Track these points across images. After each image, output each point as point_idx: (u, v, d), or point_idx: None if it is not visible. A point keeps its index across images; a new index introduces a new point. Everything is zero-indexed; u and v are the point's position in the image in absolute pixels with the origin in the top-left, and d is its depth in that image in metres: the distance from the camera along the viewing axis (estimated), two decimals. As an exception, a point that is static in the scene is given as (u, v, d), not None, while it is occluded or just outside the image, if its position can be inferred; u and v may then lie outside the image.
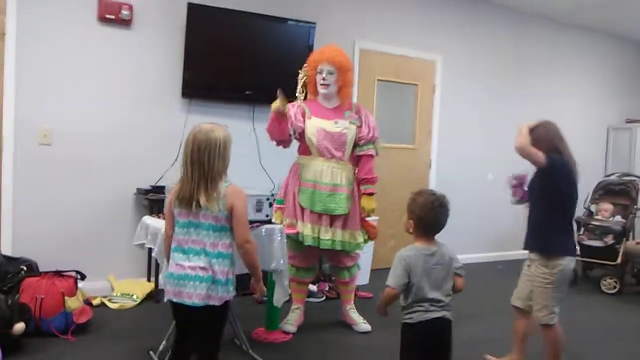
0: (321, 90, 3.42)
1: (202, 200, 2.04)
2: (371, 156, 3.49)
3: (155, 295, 3.91)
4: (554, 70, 6.50)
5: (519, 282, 2.93)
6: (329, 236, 3.34)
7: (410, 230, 2.20)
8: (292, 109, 3.36)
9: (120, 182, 4.05)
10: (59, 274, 3.32)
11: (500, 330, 3.40)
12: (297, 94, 3.54)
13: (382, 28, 5.26)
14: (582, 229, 5.09)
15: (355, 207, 3.45)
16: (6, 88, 3.67)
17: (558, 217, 2.74)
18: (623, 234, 4.92)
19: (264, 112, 4.21)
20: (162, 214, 3.18)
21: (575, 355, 3.18)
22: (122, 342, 3.14)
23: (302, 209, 3.35)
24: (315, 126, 3.37)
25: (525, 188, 2.93)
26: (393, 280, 2.11)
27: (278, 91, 3.17)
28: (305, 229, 3.32)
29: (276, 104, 3.20)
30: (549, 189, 2.72)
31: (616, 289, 4.84)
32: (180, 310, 2.12)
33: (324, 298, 4.27)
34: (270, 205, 3.06)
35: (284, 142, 3.47)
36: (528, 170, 2.85)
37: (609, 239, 4.91)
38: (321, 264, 4.35)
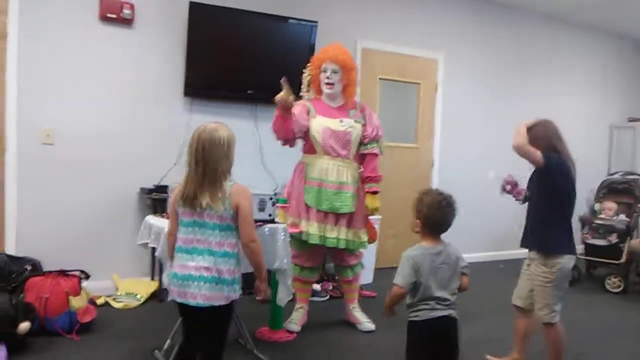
0: (326, 89, 3.41)
1: (207, 199, 2.03)
2: (375, 155, 3.49)
3: (159, 295, 3.91)
4: (555, 69, 6.49)
5: (519, 281, 2.93)
6: (334, 234, 3.34)
7: (417, 230, 2.20)
8: (297, 107, 3.33)
9: (123, 182, 4.05)
10: (63, 273, 3.32)
11: (501, 329, 3.39)
12: (301, 93, 3.53)
13: (384, 27, 5.26)
14: (586, 228, 5.08)
15: (361, 206, 3.44)
16: (8, 88, 3.68)
17: (556, 216, 2.73)
18: (627, 232, 4.91)
19: (266, 111, 4.22)
20: (165, 213, 3.17)
21: (577, 355, 3.17)
22: (126, 341, 3.14)
23: (308, 207, 3.34)
24: (320, 125, 3.36)
25: (521, 186, 2.92)
26: (401, 279, 2.11)
27: (282, 80, 3.10)
28: (311, 228, 3.32)
29: (281, 95, 3.13)
30: (547, 187, 2.71)
31: (620, 288, 4.83)
32: (185, 310, 2.12)
33: (328, 297, 4.27)
34: (274, 204, 3.06)
35: (289, 141, 3.43)
36: (523, 170, 2.84)
37: (613, 238, 4.90)
38: (324, 263, 4.35)
